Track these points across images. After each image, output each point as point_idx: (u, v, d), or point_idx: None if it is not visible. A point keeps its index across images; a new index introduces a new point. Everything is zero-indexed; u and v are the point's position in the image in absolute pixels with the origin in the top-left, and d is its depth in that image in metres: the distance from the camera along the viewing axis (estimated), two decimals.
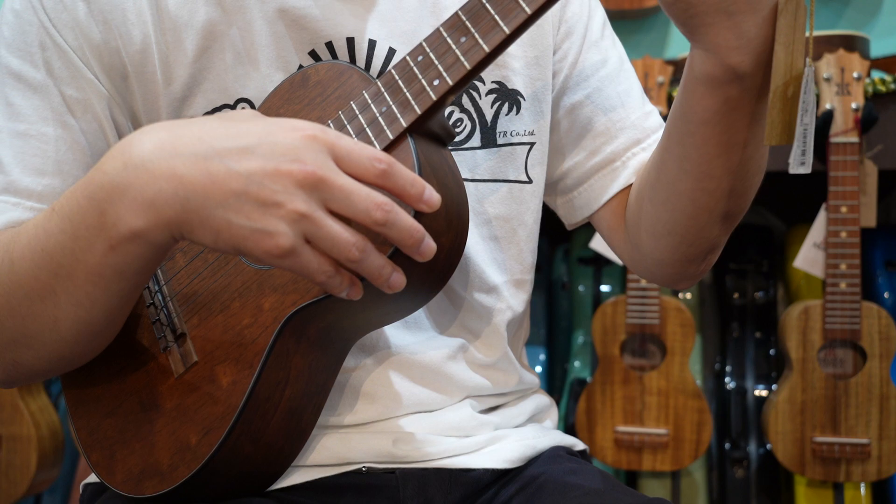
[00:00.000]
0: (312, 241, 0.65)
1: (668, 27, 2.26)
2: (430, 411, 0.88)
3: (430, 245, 0.67)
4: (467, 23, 0.72)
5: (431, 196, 0.67)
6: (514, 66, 0.91)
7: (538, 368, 2.11)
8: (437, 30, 0.74)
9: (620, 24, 2.09)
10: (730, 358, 2.06)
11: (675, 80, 1.86)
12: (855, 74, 1.69)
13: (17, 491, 1.85)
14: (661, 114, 0.99)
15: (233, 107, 0.83)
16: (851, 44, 1.78)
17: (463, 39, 0.72)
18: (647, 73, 1.81)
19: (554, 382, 2.16)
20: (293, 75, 0.82)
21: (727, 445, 1.98)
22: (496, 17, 0.71)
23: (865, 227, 1.75)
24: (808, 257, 1.79)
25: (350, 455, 0.83)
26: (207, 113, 0.83)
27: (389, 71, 0.75)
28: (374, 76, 0.85)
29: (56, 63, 0.80)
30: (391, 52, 0.86)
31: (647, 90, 1.78)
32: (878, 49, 2.04)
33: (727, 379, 2.04)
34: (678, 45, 2.25)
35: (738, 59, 0.69)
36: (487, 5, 0.72)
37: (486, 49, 0.71)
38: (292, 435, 0.78)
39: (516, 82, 0.91)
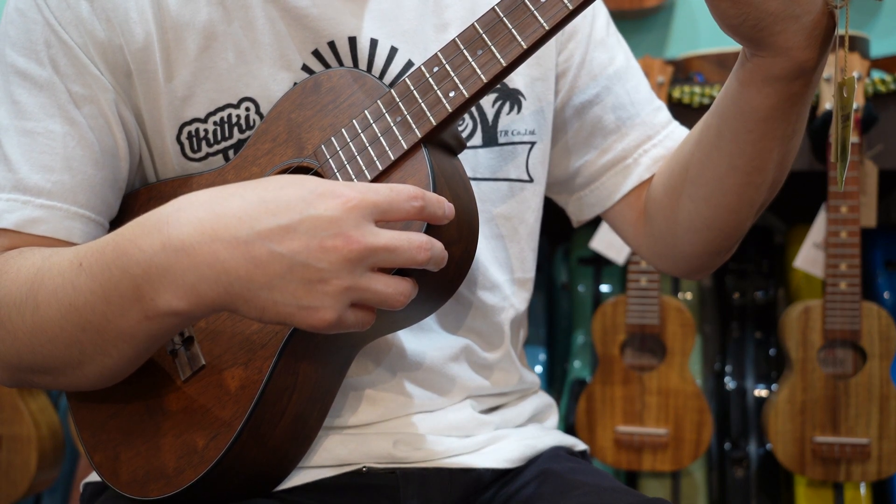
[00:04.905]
0: (359, 303, 0.66)
1: (668, 27, 2.26)
2: (431, 411, 0.88)
3: (444, 255, 0.68)
4: (484, 36, 0.73)
5: (450, 209, 0.69)
6: None
7: (538, 368, 2.11)
8: (453, 41, 0.74)
9: (620, 24, 2.07)
10: (730, 358, 2.06)
11: (675, 80, 1.86)
12: (855, 74, 1.69)
13: (17, 491, 1.85)
14: None
15: (236, 106, 0.83)
16: (851, 44, 1.78)
17: (479, 52, 0.73)
18: (647, 73, 1.80)
19: (554, 382, 2.16)
20: (305, 80, 0.82)
21: (727, 445, 1.98)
22: (513, 31, 0.72)
23: (865, 227, 1.75)
24: (808, 257, 1.79)
25: (351, 456, 0.83)
26: (210, 113, 0.83)
27: (404, 80, 0.75)
28: (377, 75, 0.85)
29: (62, 60, 0.80)
30: (393, 50, 0.86)
31: None
32: (878, 49, 2.04)
33: (727, 379, 2.04)
34: (678, 45, 2.24)
35: (807, 55, 0.71)
36: (505, 20, 0.72)
37: (503, 63, 0.72)
38: (298, 439, 0.78)
39: (517, 82, 0.91)
